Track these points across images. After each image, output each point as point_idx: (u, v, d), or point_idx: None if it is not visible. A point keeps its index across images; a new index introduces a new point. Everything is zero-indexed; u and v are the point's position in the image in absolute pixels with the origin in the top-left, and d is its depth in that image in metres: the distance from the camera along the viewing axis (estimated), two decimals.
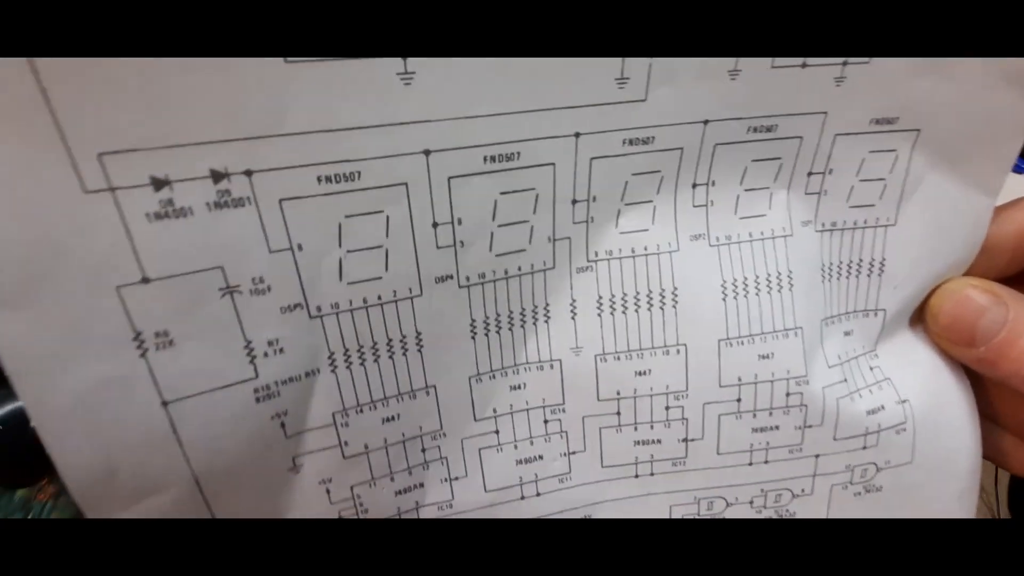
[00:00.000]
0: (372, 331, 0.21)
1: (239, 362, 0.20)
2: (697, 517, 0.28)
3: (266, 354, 0.20)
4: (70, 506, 0.23)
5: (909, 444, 0.28)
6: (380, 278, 0.21)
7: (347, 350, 0.21)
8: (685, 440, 0.26)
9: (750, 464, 0.27)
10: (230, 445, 0.20)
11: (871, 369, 0.27)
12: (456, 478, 0.25)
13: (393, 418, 0.23)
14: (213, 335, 0.19)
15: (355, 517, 0.24)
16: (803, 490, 0.28)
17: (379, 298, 0.21)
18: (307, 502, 0.23)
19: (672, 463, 0.26)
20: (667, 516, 0.27)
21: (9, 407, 0.22)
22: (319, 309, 0.20)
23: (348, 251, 0.20)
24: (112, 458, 0.19)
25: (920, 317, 0.28)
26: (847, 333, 0.27)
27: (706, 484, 0.27)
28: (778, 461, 0.27)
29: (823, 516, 0.28)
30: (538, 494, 0.26)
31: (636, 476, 0.27)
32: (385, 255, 0.21)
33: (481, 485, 0.25)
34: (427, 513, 0.25)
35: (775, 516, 0.28)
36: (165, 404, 0.19)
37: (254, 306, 0.19)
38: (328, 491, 0.23)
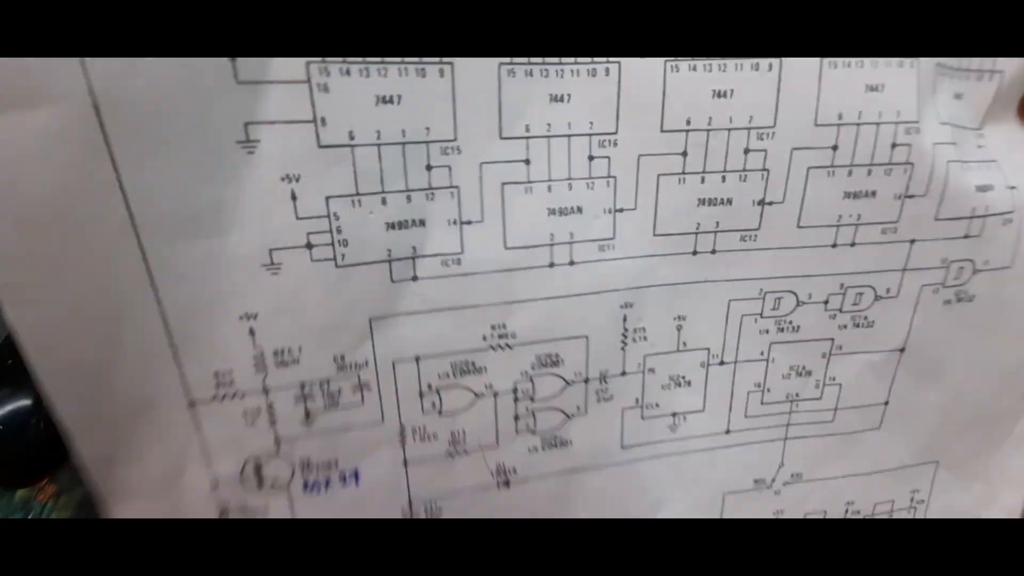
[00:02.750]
0: None
1: None
2: (759, 316, 0.21)
3: None
4: (70, 506, 0.21)
5: (1012, 243, 0.22)
6: None
7: None
8: (762, 202, 0.20)
9: (834, 246, 0.21)
10: (143, 70, 0.13)
11: (978, 147, 0.22)
12: (469, 222, 0.18)
13: (391, 100, 0.16)
14: None
15: (330, 251, 0.17)
16: (888, 290, 0.22)
17: None
18: (263, 203, 0.16)
19: (741, 236, 0.20)
20: (724, 312, 0.21)
21: (9, 407, 0.20)
22: None
23: None
24: None
25: None
26: (957, 95, 0.21)
27: (777, 271, 0.21)
28: (867, 244, 0.21)
29: (905, 327, 0.22)
30: (572, 263, 0.19)
31: (694, 252, 0.20)
32: None
33: (500, 237, 0.18)
34: (427, 267, 0.18)
35: (851, 322, 0.22)
36: None
37: None
38: (294, 195, 0.16)
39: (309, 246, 0.16)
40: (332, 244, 0.16)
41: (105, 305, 0.15)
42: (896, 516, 0.26)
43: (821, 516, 0.25)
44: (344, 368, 0.18)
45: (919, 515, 0.26)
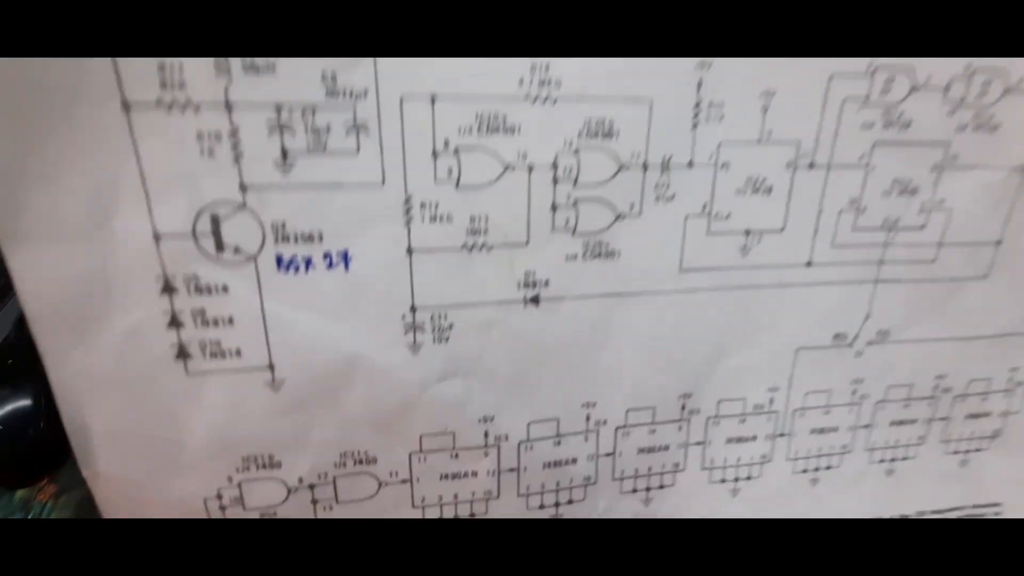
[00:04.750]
0: None
1: None
2: (865, 100, 0.17)
3: None
4: (70, 506, 0.21)
5: None
6: None
7: None
8: None
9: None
10: None
11: None
12: None
13: None
14: None
15: None
16: (1022, 80, 0.17)
17: None
18: None
19: None
20: (823, 90, 0.16)
21: (9, 407, 0.20)
22: None
23: None
24: None
25: None
26: None
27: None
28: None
29: None
30: None
31: None
32: None
33: None
34: None
35: (972, 121, 0.17)
36: None
37: None
38: None
39: None
40: None
41: None
42: (991, 398, 0.22)
43: (906, 390, 0.21)
44: (336, 95, 0.13)
45: (1017, 400, 0.22)
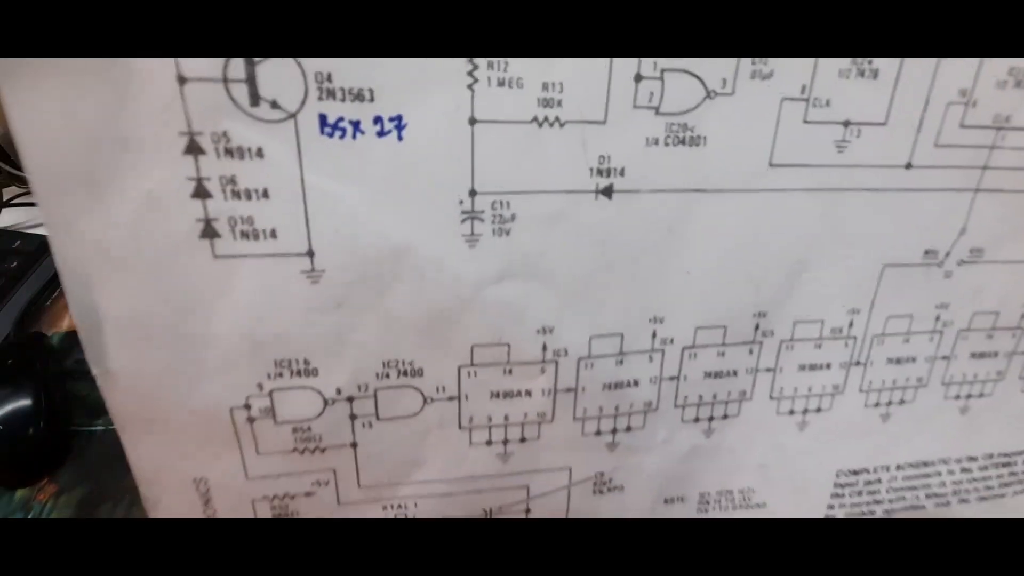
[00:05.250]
0: None
1: None
2: None
3: None
4: (70, 506, 0.21)
5: None
6: None
7: None
8: None
9: None
10: None
11: None
12: None
13: None
14: None
15: None
16: None
17: None
18: None
19: None
20: None
21: (9, 407, 0.20)
22: None
23: None
24: None
25: None
26: None
27: None
28: None
29: None
30: None
31: None
32: None
33: None
34: None
35: None
36: None
37: None
38: None
39: None
40: None
41: None
42: None
43: (991, 319, 0.19)
44: None
45: None
